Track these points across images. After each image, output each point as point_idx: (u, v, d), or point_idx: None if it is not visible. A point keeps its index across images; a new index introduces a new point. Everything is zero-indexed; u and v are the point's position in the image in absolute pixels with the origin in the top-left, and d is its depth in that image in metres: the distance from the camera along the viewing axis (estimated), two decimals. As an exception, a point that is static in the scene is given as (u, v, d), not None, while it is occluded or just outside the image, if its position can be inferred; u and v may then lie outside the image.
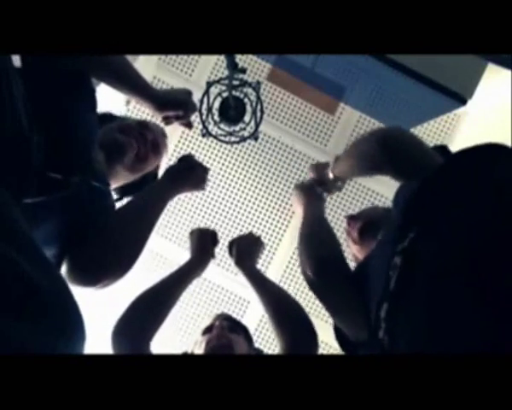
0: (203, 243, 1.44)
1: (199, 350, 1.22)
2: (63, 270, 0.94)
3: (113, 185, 1.21)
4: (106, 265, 0.96)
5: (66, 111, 0.92)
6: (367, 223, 1.22)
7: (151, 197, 1.09)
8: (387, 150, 0.92)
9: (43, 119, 0.84)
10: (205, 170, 1.29)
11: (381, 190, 2.75)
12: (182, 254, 2.83)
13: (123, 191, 1.27)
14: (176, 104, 1.14)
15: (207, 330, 1.27)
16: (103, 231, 0.97)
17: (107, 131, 1.17)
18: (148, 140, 1.23)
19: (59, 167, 0.87)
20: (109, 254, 0.97)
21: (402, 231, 0.77)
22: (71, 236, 0.95)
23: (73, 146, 0.93)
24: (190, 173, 1.22)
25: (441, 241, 0.71)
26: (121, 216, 1.02)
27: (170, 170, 1.20)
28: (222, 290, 2.83)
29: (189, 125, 1.25)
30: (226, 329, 1.24)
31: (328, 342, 2.84)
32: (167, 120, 1.17)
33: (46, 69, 0.89)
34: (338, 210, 2.78)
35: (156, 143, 1.26)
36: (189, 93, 1.18)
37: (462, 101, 1.90)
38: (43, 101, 0.86)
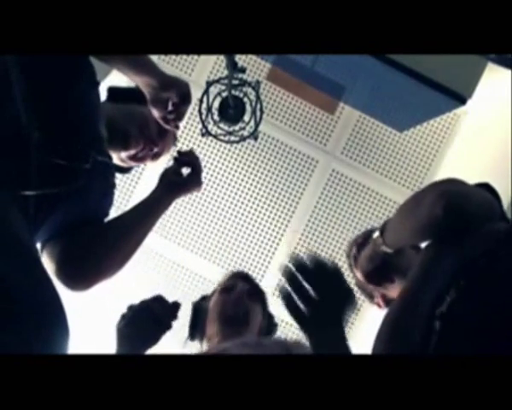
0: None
1: (214, 309, 1.20)
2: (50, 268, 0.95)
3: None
4: (91, 274, 0.99)
5: (67, 97, 0.92)
6: (372, 272, 1.14)
7: (146, 209, 1.08)
8: (454, 219, 0.87)
9: (45, 110, 0.84)
10: (199, 171, 1.21)
11: (381, 190, 2.75)
12: (182, 254, 2.83)
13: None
14: (178, 85, 1.06)
15: (226, 290, 1.24)
16: (95, 238, 0.99)
17: (129, 116, 1.16)
18: (153, 150, 1.22)
19: (68, 154, 0.87)
20: (98, 265, 1.00)
21: (440, 293, 0.77)
22: (67, 230, 0.96)
23: (80, 131, 0.93)
24: (185, 180, 1.17)
25: (482, 307, 0.71)
26: (115, 227, 1.04)
27: (164, 177, 1.15)
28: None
29: (177, 126, 1.19)
30: (245, 295, 1.22)
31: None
32: (165, 120, 1.15)
33: (44, 57, 0.88)
34: (337, 209, 2.78)
35: (159, 154, 1.25)
36: (188, 85, 1.15)
37: (462, 100, 1.90)
38: (44, 91, 0.86)
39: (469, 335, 0.70)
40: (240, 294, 1.21)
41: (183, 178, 1.17)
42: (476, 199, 0.91)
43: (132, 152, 1.19)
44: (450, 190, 0.93)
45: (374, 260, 1.11)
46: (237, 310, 1.18)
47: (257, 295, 1.27)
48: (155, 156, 1.25)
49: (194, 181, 1.18)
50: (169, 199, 1.12)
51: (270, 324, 1.28)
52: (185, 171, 1.19)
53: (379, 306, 1.25)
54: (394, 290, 1.15)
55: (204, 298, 1.30)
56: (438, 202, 0.89)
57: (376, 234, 1.05)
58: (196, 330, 1.20)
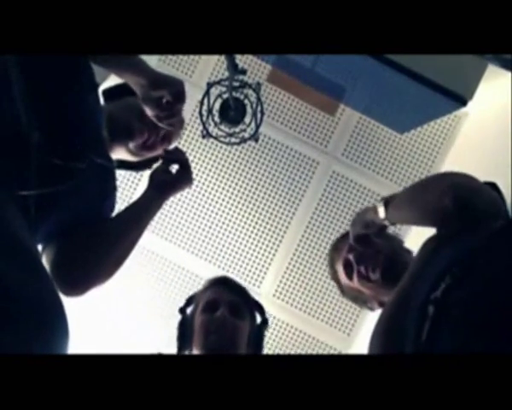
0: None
1: (199, 333, 1.16)
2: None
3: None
4: (85, 280, 0.99)
5: (67, 99, 0.92)
6: (390, 266, 1.14)
7: (138, 211, 1.08)
8: (462, 212, 0.87)
9: (45, 111, 0.85)
10: (188, 167, 1.19)
11: (382, 191, 2.75)
12: (181, 254, 2.83)
13: (120, 165, 1.25)
14: (171, 83, 1.05)
15: (209, 309, 1.19)
16: (88, 242, 1.00)
17: (127, 109, 1.17)
18: (160, 133, 1.21)
19: (66, 155, 0.88)
20: (92, 269, 1.00)
21: (435, 280, 0.77)
22: (65, 232, 0.96)
23: (79, 132, 0.93)
24: (175, 178, 1.16)
25: (476, 294, 0.72)
26: (107, 231, 1.04)
27: (154, 177, 1.14)
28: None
29: (171, 125, 1.15)
30: (228, 316, 1.16)
31: (328, 343, 2.84)
32: (158, 118, 1.14)
33: (44, 58, 0.88)
34: (338, 211, 2.78)
35: (168, 135, 1.24)
36: (182, 83, 1.13)
37: (463, 102, 1.90)
38: (44, 92, 0.86)
39: (461, 323, 0.70)
40: (221, 318, 1.16)
41: (172, 176, 1.16)
42: (487, 196, 0.92)
43: (140, 141, 1.18)
44: (461, 182, 0.94)
45: (370, 227, 1.12)
46: (221, 338, 1.14)
47: (241, 307, 1.22)
48: (165, 140, 1.24)
49: (184, 178, 1.17)
50: (160, 199, 1.11)
51: (260, 325, 1.25)
52: (174, 169, 1.18)
53: (372, 309, 1.25)
54: (385, 292, 1.15)
55: (191, 298, 1.26)
56: (447, 193, 0.89)
57: (381, 206, 1.06)
58: (184, 344, 1.18)
